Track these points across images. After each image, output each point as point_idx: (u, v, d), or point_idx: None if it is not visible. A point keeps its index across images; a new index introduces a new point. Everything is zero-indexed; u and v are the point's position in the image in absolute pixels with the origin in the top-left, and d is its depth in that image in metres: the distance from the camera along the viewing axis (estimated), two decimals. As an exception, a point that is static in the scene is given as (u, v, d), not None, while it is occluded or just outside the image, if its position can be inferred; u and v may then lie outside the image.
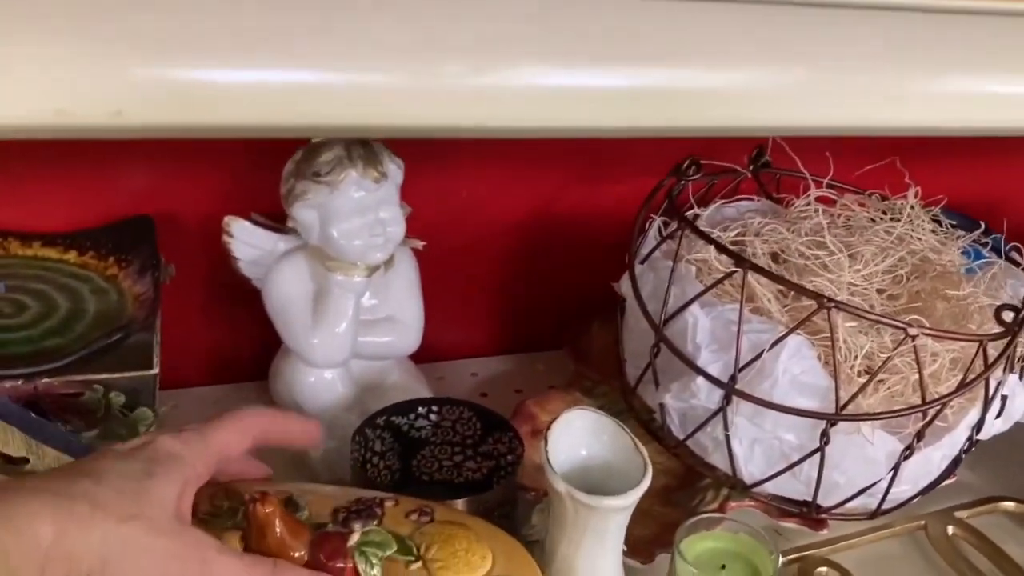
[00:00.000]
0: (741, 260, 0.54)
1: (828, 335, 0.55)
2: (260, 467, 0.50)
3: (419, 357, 0.74)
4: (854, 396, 0.53)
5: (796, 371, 0.54)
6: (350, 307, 0.65)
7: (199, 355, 0.75)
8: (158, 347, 0.60)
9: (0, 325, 0.59)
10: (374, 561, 0.44)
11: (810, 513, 0.59)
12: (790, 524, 0.63)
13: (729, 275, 0.55)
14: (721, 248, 0.55)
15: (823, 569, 0.62)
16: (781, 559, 0.55)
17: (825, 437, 0.54)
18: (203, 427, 0.44)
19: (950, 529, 0.66)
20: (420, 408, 0.65)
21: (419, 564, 0.47)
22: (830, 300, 0.52)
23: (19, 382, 0.55)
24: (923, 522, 0.67)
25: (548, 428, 0.52)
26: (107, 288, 0.65)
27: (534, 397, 0.74)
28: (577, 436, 0.53)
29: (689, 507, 0.64)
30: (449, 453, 0.66)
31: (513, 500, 0.61)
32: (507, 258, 0.83)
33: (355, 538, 0.44)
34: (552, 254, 0.83)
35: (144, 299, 0.62)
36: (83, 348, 0.56)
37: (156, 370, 0.58)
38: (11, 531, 0.33)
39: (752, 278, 0.56)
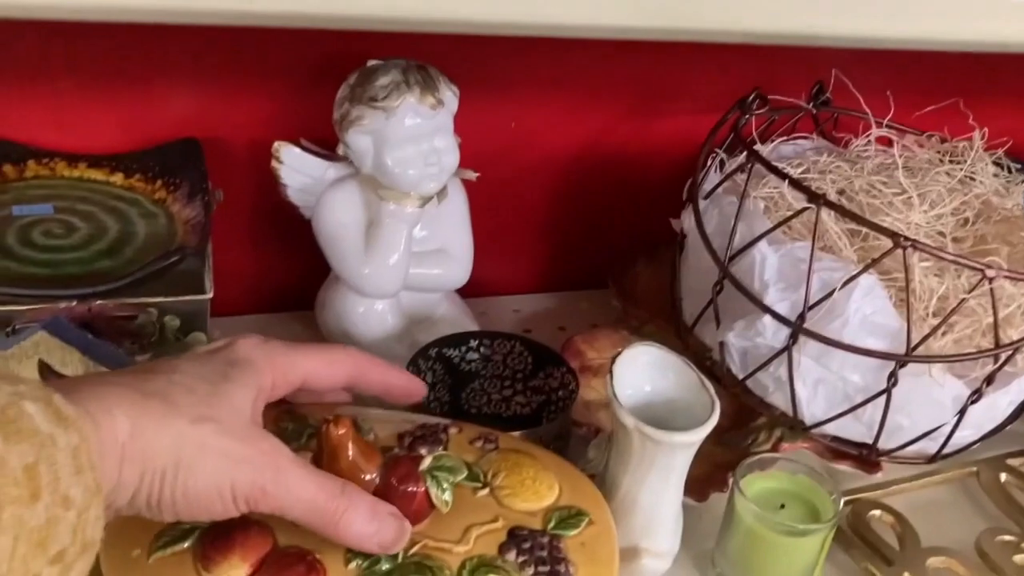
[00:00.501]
0: (815, 196, 0.53)
1: (898, 276, 0.54)
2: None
3: (461, 292, 0.73)
4: (926, 337, 0.52)
5: (868, 311, 0.53)
6: (402, 238, 0.64)
7: (245, 283, 0.74)
8: (210, 272, 0.59)
9: (51, 246, 0.58)
10: (445, 485, 0.44)
11: (869, 456, 0.59)
12: (843, 467, 0.62)
13: (802, 211, 0.54)
14: (795, 183, 0.54)
15: (876, 512, 0.61)
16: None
17: (893, 379, 0.53)
18: (293, 345, 0.43)
19: (1003, 476, 0.66)
20: (472, 341, 0.64)
21: (487, 491, 0.46)
22: (907, 239, 0.51)
23: (73, 303, 0.54)
24: (975, 468, 0.66)
25: (613, 362, 0.51)
26: (156, 212, 0.63)
27: (582, 334, 0.73)
28: (642, 372, 0.52)
29: (741, 448, 0.64)
30: (499, 387, 0.65)
31: (567, 435, 0.61)
32: (552, 194, 0.82)
33: (427, 462, 0.44)
34: (599, 191, 0.82)
35: (195, 223, 0.61)
36: (137, 270, 0.55)
37: (210, 294, 0.57)
38: (89, 423, 0.32)
39: (822, 215, 0.54)
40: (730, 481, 0.60)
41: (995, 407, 0.57)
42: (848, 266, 0.54)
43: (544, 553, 0.44)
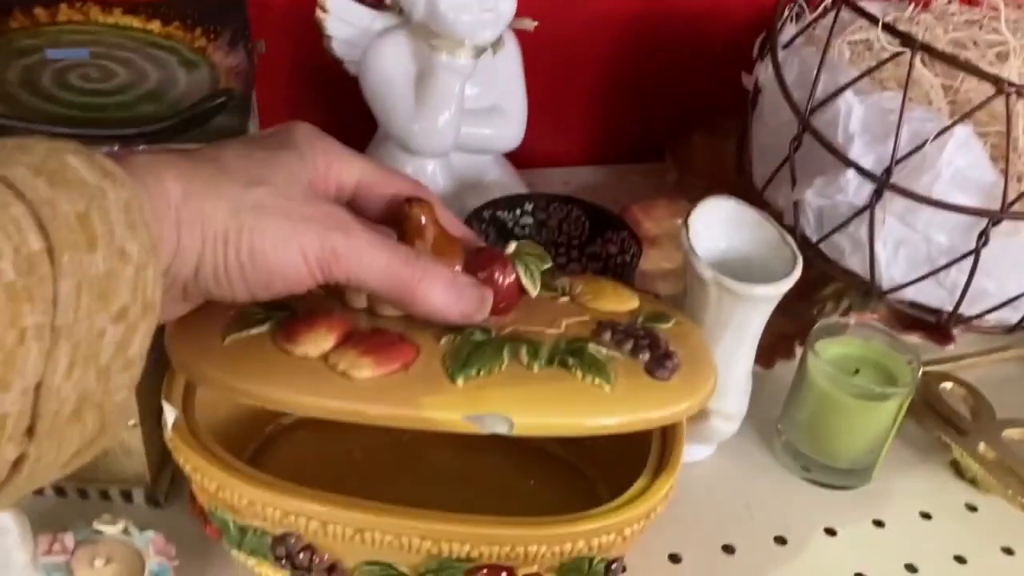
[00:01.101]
0: (910, 39, 0.49)
1: (992, 129, 0.50)
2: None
3: (512, 162, 0.70)
4: (1024, 193, 0.49)
5: (961, 164, 0.49)
6: (455, 91, 0.60)
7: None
8: (256, 120, 0.56)
9: (91, 89, 0.55)
10: (533, 269, 0.41)
11: (947, 323, 0.56)
12: (914, 338, 0.59)
13: (895, 56, 0.50)
14: (888, 27, 0.50)
15: (947, 385, 0.59)
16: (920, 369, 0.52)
17: (984, 238, 0.50)
18: (350, 152, 0.39)
19: (1078, 353, 0.63)
20: (527, 204, 0.61)
21: (567, 299, 0.44)
22: (1011, 84, 0.47)
23: (115, 147, 0.51)
24: (1049, 345, 0.64)
25: (688, 215, 0.48)
26: (196, 60, 0.60)
27: (639, 203, 0.70)
28: (717, 227, 0.49)
29: (807, 317, 0.61)
30: (553, 254, 0.63)
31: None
32: (605, 58, 0.78)
33: (512, 247, 0.41)
34: (655, 55, 0.77)
35: (239, 71, 0.58)
36: (184, 110, 0.52)
37: (257, 143, 0.54)
38: (138, 183, 0.30)
39: (915, 62, 0.50)
40: (797, 349, 0.58)
41: (1088, 273, 0.53)
42: (941, 117, 0.50)
43: (640, 332, 0.41)
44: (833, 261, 0.57)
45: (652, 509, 0.41)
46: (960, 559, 0.51)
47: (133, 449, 0.46)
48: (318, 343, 0.38)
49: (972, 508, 0.54)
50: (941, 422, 0.56)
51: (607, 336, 0.41)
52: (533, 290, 0.41)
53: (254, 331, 0.39)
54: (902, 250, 0.53)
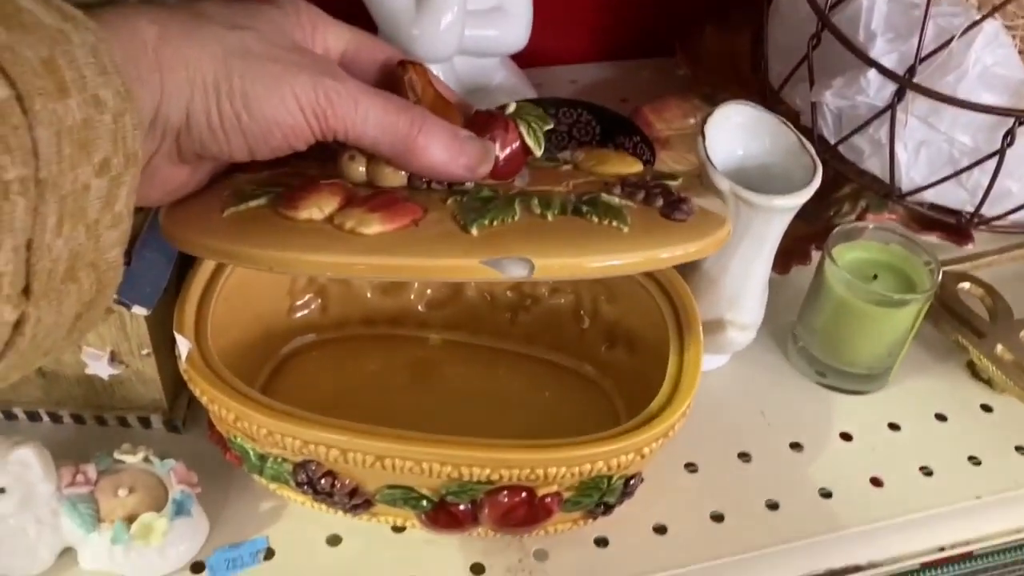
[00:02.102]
0: (938, -73, 0.46)
1: (1021, 22, 0.48)
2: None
3: (518, 62, 0.68)
4: (1054, 90, 0.47)
5: (989, 61, 0.47)
6: (457, -7, 0.58)
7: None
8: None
9: None
10: (535, 127, 0.39)
11: (968, 224, 0.55)
12: (931, 238, 0.58)
13: (922, -54, 0.47)
14: (914, -87, 0.47)
15: (965, 285, 0.58)
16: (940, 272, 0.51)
17: (1010, 137, 0.49)
18: (336, 20, 0.37)
19: (1098, 248, 0.62)
20: (535, 110, 0.59)
21: (570, 167, 0.41)
22: (1045, -25, 0.44)
23: None
24: (1068, 241, 0.63)
25: (704, 122, 0.46)
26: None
27: (649, 104, 0.68)
28: (734, 133, 0.47)
29: (823, 220, 0.60)
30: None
31: (639, 208, 0.57)
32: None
33: (512, 107, 0.39)
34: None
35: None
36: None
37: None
38: (104, 27, 0.28)
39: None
40: (813, 253, 0.57)
41: (1114, 169, 0.52)
42: (969, 10, 0.48)
43: (652, 184, 0.39)
44: (851, 163, 0.55)
45: (671, 428, 0.41)
46: (974, 459, 0.51)
47: (148, 377, 0.46)
48: (321, 206, 0.35)
49: (987, 409, 0.54)
50: (958, 324, 0.55)
51: (618, 189, 0.38)
52: (538, 150, 0.39)
53: (252, 203, 0.36)
54: (923, 152, 0.52)
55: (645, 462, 0.42)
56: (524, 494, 0.40)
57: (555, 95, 0.71)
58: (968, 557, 0.63)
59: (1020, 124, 0.48)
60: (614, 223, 0.35)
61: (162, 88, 0.30)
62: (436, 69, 0.62)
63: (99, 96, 0.26)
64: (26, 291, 0.26)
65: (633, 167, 0.41)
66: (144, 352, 0.44)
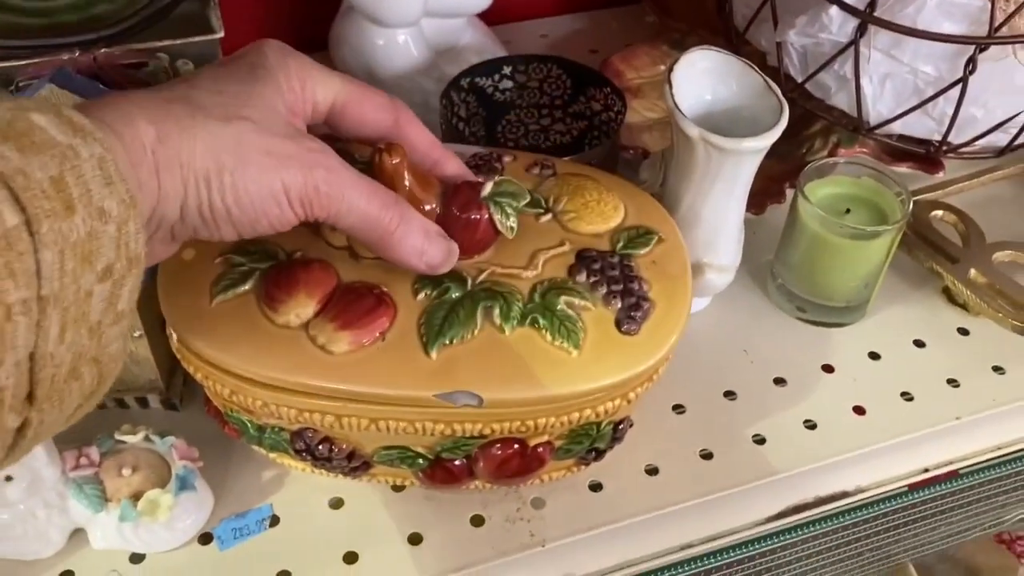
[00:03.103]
0: None
1: (979, -51, 0.48)
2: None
3: (486, 18, 0.68)
4: (1012, 15, 0.47)
5: (947, -9, 0.48)
6: (420, -45, 0.58)
7: (250, 24, 0.68)
8: (217, 9, 0.54)
9: (39, -8, 0.52)
10: (509, 211, 0.41)
11: (937, 152, 0.56)
12: (902, 168, 0.59)
13: None
14: None
15: (938, 212, 0.59)
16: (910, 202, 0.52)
17: (971, 65, 0.49)
18: (327, 68, 0.38)
19: (1067, 167, 0.63)
20: (505, 67, 0.60)
21: (550, 217, 0.44)
22: (997, -100, 0.45)
23: (76, 53, 0.49)
24: (1038, 162, 0.64)
25: (670, 70, 0.47)
26: (145, -53, 0.57)
27: (619, 53, 0.68)
28: (701, 79, 0.48)
29: (796, 157, 0.61)
30: (536, 116, 0.62)
31: (613, 160, 0.57)
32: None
33: (488, 188, 0.41)
34: None
35: (191, -45, 0.55)
36: (141, 9, 0.50)
37: (220, 33, 0.52)
38: (110, 133, 0.29)
39: None
40: (787, 191, 0.58)
41: (1077, 89, 0.53)
42: (926, -59, 0.48)
43: (615, 272, 0.42)
44: (819, 100, 0.56)
45: (654, 371, 0.42)
46: (953, 382, 0.53)
47: (142, 358, 0.46)
48: (299, 311, 0.39)
49: (964, 332, 0.56)
50: (932, 251, 0.56)
51: (583, 277, 0.41)
52: (509, 233, 0.41)
53: (239, 290, 0.40)
54: (888, 84, 0.52)
55: (632, 407, 0.43)
56: (517, 446, 0.42)
57: (525, 51, 0.72)
58: (954, 476, 0.65)
59: (981, 51, 0.49)
60: (564, 345, 0.40)
61: (159, 190, 0.31)
62: (404, 34, 0.62)
63: (103, 208, 0.27)
64: (29, 397, 0.27)
65: (610, 219, 0.44)
66: (136, 334, 0.45)
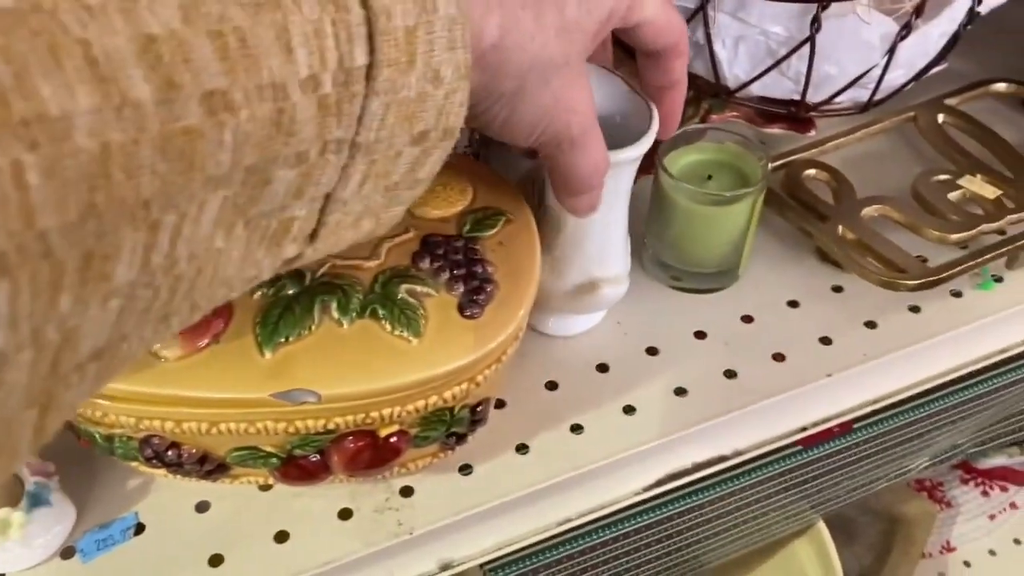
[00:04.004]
0: None
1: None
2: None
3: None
4: (849, -29, 0.47)
5: (784, -49, 0.48)
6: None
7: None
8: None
9: None
10: None
11: (798, 112, 0.56)
12: (776, 130, 0.59)
13: None
14: None
15: (811, 171, 0.59)
16: (769, 165, 0.52)
17: (816, 23, 0.49)
18: None
19: (940, 117, 0.64)
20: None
21: None
22: None
23: None
24: (912, 114, 0.64)
25: None
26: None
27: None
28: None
29: (669, 126, 0.61)
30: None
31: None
32: None
33: None
34: None
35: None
36: None
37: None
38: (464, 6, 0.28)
39: None
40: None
41: (926, 40, 0.53)
42: (760, -99, 0.48)
43: (459, 256, 0.42)
44: (680, 67, 0.56)
45: (502, 352, 0.42)
46: (826, 340, 0.53)
47: (-6, 375, 0.46)
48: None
49: (838, 289, 0.56)
50: (803, 211, 0.57)
51: (426, 263, 0.41)
52: None
53: None
54: (741, 47, 0.52)
55: (484, 389, 0.43)
56: (367, 438, 0.41)
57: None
58: (849, 430, 0.66)
59: (823, 9, 0.49)
60: (404, 334, 0.39)
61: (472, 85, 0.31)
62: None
63: (439, 72, 0.27)
64: (312, 235, 0.27)
65: (455, 205, 0.44)
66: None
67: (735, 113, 0.60)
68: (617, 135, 0.44)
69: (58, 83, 0.18)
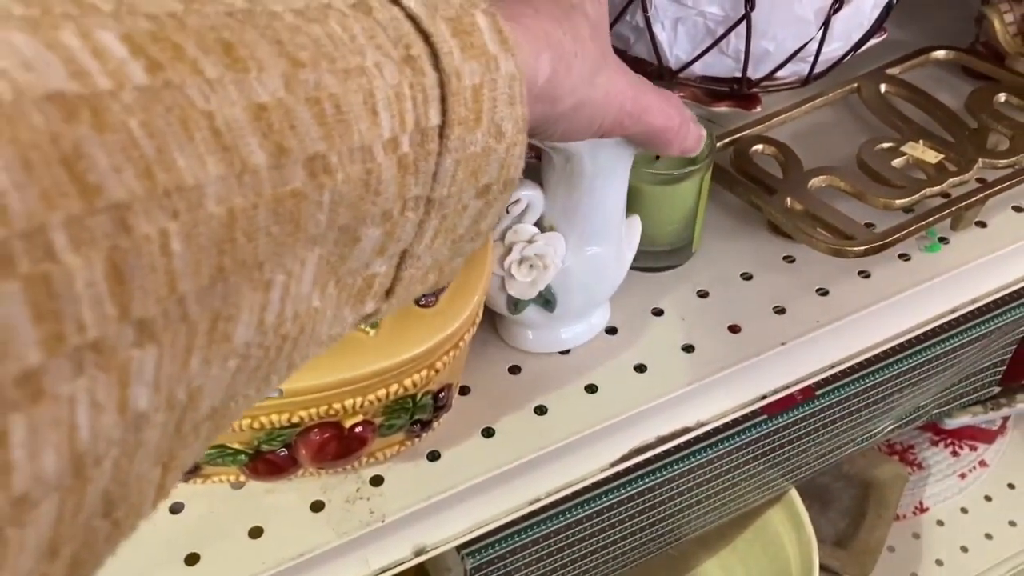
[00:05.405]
0: None
1: None
2: None
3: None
4: (777, -51, 0.49)
5: (713, -68, 0.49)
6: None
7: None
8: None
9: None
10: None
11: (741, 89, 0.57)
12: (722, 108, 0.61)
13: None
14: None
15: (759, 147, 0.61)
16: (716, 143, 0.53)
17: (750, 2, 0.51)
18: None
19: (883, 87, 0.65)
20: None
21: None
22: None
23: None
24: (855, 85, 0.66)
25: None
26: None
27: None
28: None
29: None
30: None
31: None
32: None
33: None
34: None
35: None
36: None
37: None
38: (520, 51, 0.29)
39: None
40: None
41: (859, 12, 0.54)
42: None
43: None
44: (624, 52, 0.57)
45: (459, 338, 0.43)
46: (779, 309, 0.55)
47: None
48: None
49: (790, 260, 0.57)
50: (752, 186, 0.58)
51: None
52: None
53: None
54: (681, 28, 0.54)
55: (444, 375, 0.44)
56: (333, 429, 0.42)
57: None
58: (812, 397, 0.68)
59: (755, -13, 0.50)
60: (362, 325, 0.39)
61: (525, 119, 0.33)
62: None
63: (501, 127, 0.28)
64: (388, 292, 0.28)
65: None
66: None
67: (682, 93, 0.61)
68: None
69: (191, 154, 0.19)
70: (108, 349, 0.18)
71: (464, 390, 0.51)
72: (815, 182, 0.58)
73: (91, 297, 0.17)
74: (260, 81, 0.21)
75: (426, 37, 0.26)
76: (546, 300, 0.49)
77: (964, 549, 0.93)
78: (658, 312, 0.55)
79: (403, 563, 0.47)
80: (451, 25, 0.26)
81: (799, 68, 0.57)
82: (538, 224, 0.47)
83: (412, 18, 0.26)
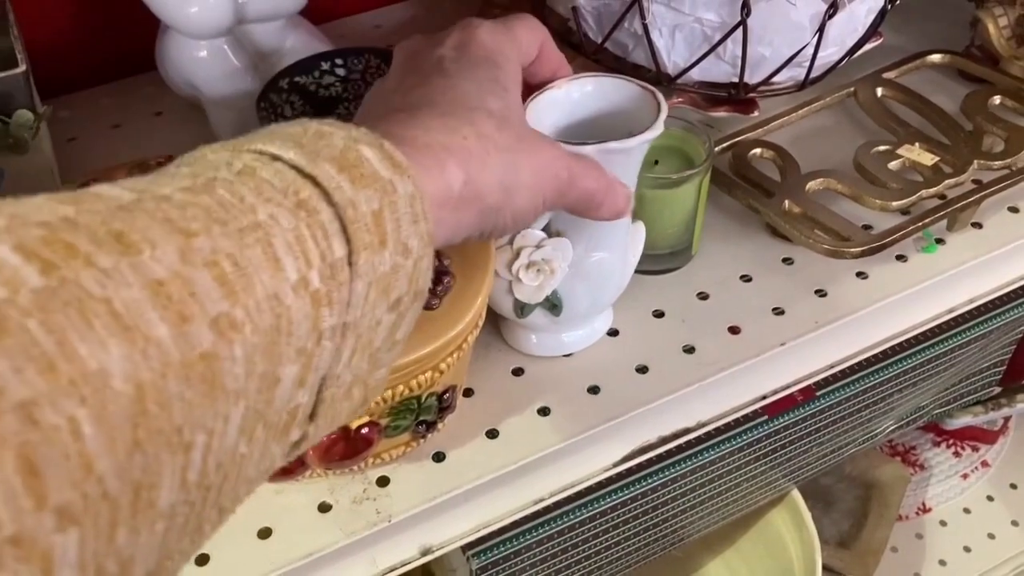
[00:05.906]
0: None
1: None
2: (564, 63, 0.45)
3: (314, 17, 0.69)
4: (771, -43, 0.50)
5: (709, -60, 0.50)
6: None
7: (74, 54, 0.69)
8: (20, 43, 0.54)
9: None
10: None
11: (738, 94, 0.58)
12: (721, 113, 0.62)
13: None
14: None
15: (757, 151, 0.62)
16: (715, 147, 0.54)
17: (746, 8, 0.52)
18: (504, 22, 0.41)
19: (879, 91, 0.66)
20: (323, 63, 0.61)
21: None
22: None
23: None
24: (852, 89, 0.66)
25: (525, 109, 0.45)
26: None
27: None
28: (561, 110, 0.46)
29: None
30: (366, 108, 0.63)
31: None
32: None
33: None
34: None
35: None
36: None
37: (23, 67, 0.53)
38: (423, 173, 0.31)
39: None
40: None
41: (854, 18, 0.55)
42: None
43: None
44: (623, 59, 0.58)
45: (462, 340, 0.44)
46: (778, 310, 0.55)
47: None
48: None
49: (789, 261, 0.58)
50: (750, 189, 0.59)
51: None
52: None
53: None
54: (678, 35, 0.54)
55: (448, 376, 0.45)
56: (340, 430, 0.43)
57: (358, 44, 0.73)
58: (812, 397, 0.68)
59: (751, -6, 0.51)
60: None
61: (457, 224, 0.33)
62: (220, 43, 0.63)
63: (408, 245, 0.29)
64: (312, 415, 0.28)
65: None
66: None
67: (680, 99, 0.62)
68: (628, 126, 0.44)
69: (92, 340, 0.20)
70: (27, 540, 0.18)
71: (468, 392, 0.51)
72: (813, 185, 0.58)
73: (4, 494, 0.18)
74: (155, 259, 0.22)
75: (313, 180, 0.27)
76: (552, 304, 0.50)
77: (967, 549, 0.94)
78: (659, 314, 0.55)
79: (410, 563, 0.47)
80: (336, 163, 0.28)
81: (795, 73, 0.58)
82: (545, 229, 0.48)
83: (295, 167, 0.27)
